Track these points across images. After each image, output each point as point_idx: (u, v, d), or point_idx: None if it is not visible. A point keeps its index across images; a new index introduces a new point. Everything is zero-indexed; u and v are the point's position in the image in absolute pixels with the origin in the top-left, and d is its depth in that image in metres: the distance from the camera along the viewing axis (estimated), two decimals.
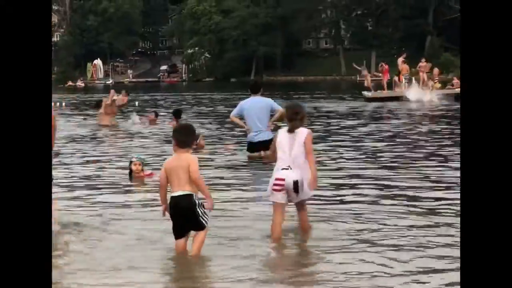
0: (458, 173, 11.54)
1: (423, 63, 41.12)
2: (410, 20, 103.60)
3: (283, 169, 7.77)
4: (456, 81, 42.51)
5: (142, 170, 12.38)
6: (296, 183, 7.71)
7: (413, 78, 40.50)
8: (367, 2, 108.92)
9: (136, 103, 40.11)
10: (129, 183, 12.06)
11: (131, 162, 12.45)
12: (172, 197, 6.74)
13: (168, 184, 6.84)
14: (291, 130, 7.87)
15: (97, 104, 26.27)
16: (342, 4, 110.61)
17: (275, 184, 7.75)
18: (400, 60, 40.89)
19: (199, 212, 6.69)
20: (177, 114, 22.78)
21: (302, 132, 7.86)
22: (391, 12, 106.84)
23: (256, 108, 14.38)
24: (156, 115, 25.60)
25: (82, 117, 29.09)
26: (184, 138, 6.83)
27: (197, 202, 6.68)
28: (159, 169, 13.05)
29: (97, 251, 7.42)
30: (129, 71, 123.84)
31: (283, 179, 7.72)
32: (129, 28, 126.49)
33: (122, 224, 8.65)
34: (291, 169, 7.73)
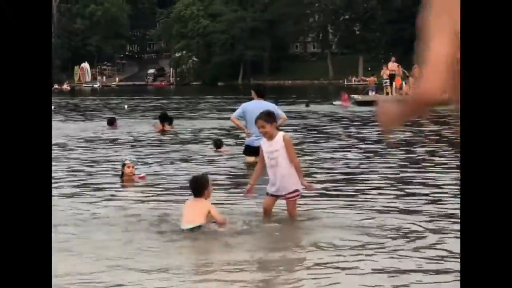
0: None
1: None
2: (398, 25, 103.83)
3: None
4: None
5: (134, 174, 12.20)
6: None
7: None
8: (354, 7, 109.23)
9: (125, 106, 40.05)
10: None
11: (124, 164, 12.25)
12: None
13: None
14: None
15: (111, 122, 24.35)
16: (329, 8, 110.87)
17: None
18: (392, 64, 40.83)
19: None
20: (164, 118, 22.67)
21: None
22: (378, 16, 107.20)
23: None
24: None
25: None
26: None
27: None
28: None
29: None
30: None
31: None
32: (117, 32, 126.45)
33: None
34: None
